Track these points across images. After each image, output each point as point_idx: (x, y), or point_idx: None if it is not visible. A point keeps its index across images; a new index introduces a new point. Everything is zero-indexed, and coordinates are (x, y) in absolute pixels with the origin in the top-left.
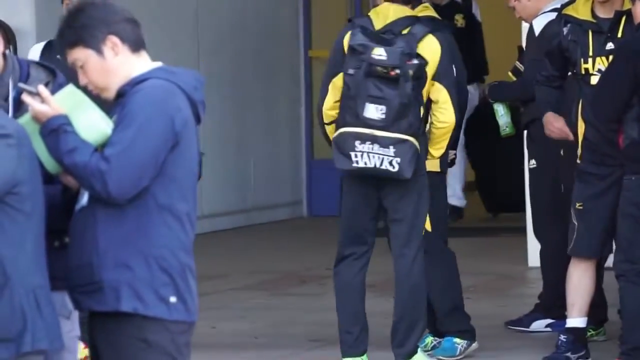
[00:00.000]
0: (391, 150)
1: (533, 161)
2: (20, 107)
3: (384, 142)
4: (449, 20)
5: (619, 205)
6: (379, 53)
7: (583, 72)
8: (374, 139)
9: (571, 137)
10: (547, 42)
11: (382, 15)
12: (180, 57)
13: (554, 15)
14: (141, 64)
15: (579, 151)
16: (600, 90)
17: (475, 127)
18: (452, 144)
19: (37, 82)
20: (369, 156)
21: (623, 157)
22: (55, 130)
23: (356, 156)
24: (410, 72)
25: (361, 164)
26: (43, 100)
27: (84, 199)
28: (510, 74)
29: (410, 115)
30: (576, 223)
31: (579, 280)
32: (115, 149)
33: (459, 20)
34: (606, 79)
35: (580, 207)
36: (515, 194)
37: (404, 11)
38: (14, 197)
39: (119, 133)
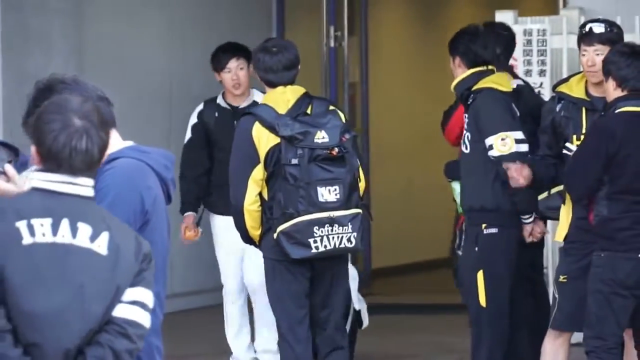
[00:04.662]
0: (349, 227)
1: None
2: None
3: (342, 221)
4: None
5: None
6: (322, 136)
7: (575, 148)
8: (332, 221)
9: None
10: (542, 119)
11: (282, 100)
12: (152, 136)
13: None
14: (112, 142)
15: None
16: (573, 167)
17: None
18: None
19: None
20: (328, 238)
21: (593, 234)
22: None
23: (315, 242)
24: (350, 146)
25: (321, 249)
26: (9, 179)
27: None
28: None
29: (357, 188)
30: (557, 296)
31: (555, 355)
32: None
33: None
34: (579, 156)
35: (564, 280)
36: None
37: (300, 90)
38: None
39: None
